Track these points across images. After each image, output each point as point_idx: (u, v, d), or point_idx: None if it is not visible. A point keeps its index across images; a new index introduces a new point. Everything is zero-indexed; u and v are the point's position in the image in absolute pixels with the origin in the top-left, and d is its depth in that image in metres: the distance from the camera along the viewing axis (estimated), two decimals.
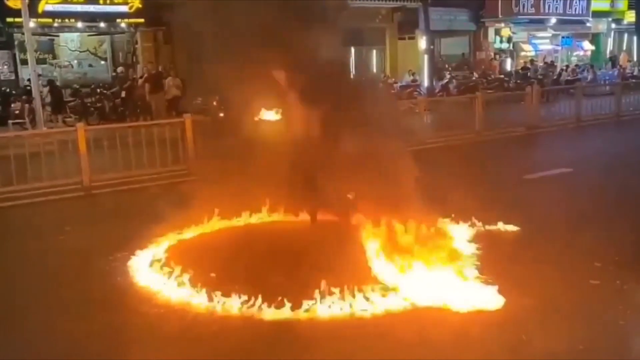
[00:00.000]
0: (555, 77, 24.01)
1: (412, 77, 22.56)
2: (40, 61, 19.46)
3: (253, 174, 5.71)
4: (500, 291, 4.68)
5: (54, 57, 21.30)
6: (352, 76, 6.97)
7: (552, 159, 11.04)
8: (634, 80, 22.27)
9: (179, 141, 10.42)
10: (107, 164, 9.92)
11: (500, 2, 25.62)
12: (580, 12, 28.20)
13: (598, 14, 29.61)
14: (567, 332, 4.17)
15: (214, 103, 7.72)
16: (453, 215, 6.46)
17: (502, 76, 24.20)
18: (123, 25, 20.12)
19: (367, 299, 4.64)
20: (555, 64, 27.18)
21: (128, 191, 9.12)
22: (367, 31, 24.83)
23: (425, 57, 22.87)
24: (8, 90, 17.88)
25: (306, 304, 4.54)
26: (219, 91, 6.54)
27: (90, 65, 21.89)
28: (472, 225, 6.41)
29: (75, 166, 9.36)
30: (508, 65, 27.84)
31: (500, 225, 6.46)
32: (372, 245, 5.29)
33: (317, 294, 4.58)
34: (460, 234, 6.18)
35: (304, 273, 4.85)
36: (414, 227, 5.39)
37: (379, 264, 5.07)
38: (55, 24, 19.44)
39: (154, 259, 5.67)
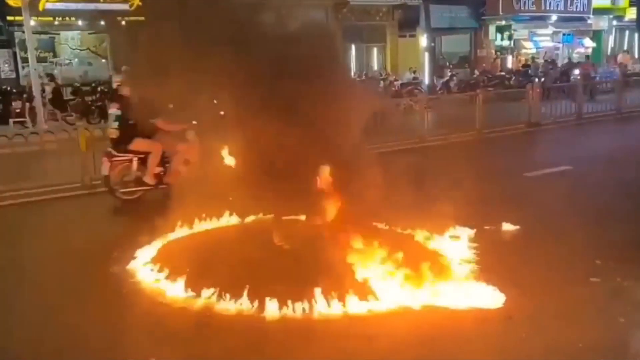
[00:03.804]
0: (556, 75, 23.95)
1: (413, 75, 22.56)
2: (40, 59, 19.45)
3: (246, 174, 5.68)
4: (500, 289, 4.69)
5: (55, 56, 21.29)
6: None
7: (552, 156, 11.04)
8: (634, 78, 22.18)
9: None
10: None
11: None
12: (582, 9, 28.20)
13: (599, 11, 29.60)
14: (567, 329, 4.18)
15: (214, 102, 7.65)
16: (454, 212, 6.44)
17: (503, 74, 24.18)
18: (124, 23, 20.09)
19: (365, 298, 4.63)
20: (556, 61, 27.15)
21: None
22: (368, 29, 24.88)
23: (426, 54, 22.90)
24: (9, 88, 17.89)
25: (305, 303, 4.54)
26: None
27: (90, 64, 21.89)
28: (473, 222, 6.40)
29: (76, 165, 9.35)
30: (509, 62, 27.81)
31: (501, 223, 6.46)
32: (369, 245, 5.26)
33: (315, 293, 4.56)
34: (461, 232, 6.17)
35: (301, 272, 4.84)
36: (412, 225, 5.37)
37: (377, 262, 5.06)
38: (56, 22, 19.48)
39: (155, 258, 5.67)
